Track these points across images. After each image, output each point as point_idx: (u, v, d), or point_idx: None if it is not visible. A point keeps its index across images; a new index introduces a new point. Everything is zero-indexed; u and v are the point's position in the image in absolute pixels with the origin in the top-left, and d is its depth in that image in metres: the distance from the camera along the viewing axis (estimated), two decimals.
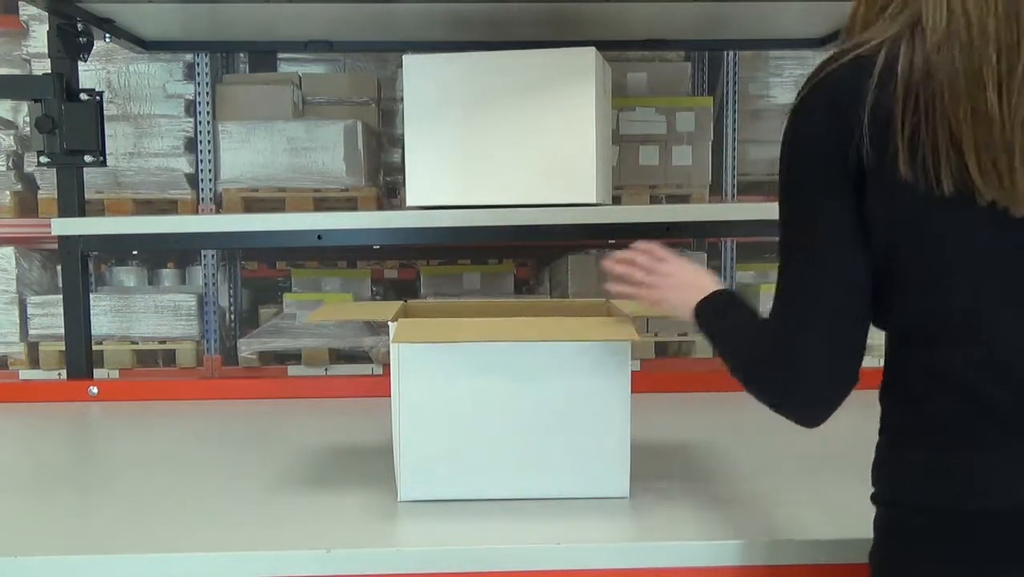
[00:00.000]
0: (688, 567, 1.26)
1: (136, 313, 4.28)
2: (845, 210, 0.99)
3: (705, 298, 1.22)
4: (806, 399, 1.05)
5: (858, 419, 1.86)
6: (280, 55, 4.54)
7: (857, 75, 0.97)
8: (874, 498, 1.06)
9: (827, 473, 1.58)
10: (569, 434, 1.41)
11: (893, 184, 0.95)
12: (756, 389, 1.10)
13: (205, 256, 4.40)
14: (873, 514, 1.05)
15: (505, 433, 1.41)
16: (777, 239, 1.06)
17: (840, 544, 1.26)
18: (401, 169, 2.64)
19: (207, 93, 4.22)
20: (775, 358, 1.05)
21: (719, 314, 1.20)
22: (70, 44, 2.38)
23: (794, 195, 1.03)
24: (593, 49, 2.31)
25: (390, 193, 4.43)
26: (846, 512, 1.38)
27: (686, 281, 1.28)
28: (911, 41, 0.96)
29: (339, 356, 4.35)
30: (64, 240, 2.37)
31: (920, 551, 0.99)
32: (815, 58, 4.43)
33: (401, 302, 1.63)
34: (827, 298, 1.01)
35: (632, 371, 1.43)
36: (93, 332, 2.50)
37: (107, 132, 2.47)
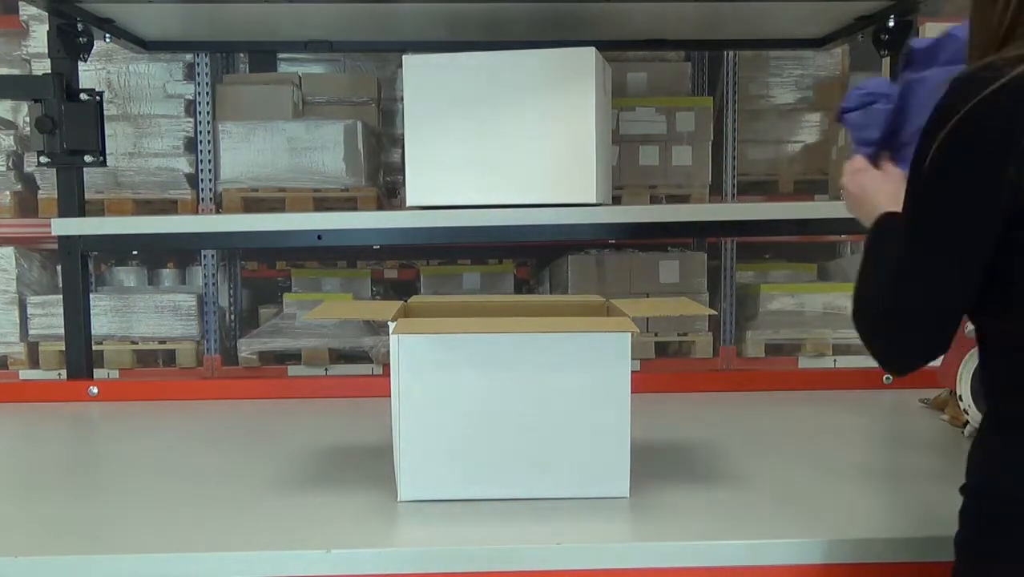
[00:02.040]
0: (688, 567, 1.25)
1: (136, 313, 4.28)
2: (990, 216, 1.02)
3: (879, 219, 1.26)
4: (903, 356, 1.15)
5: (859, 419, 1.86)
6: (280, 55, 4.54)
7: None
8: (970, 487, 1.08)
9: (828, 473, 1.58)
10: (569, 433, 1.41)
11: None
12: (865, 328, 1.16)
13: (205, 256, 4.40)
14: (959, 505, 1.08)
15: (505, 432, 1.41)
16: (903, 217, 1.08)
17: (841, 544, 1.26)
18: (401, 169, 2.65)
19: (207, 93, 4.22)
20: (890, 318, 1.12)
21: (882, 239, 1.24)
22: (70, 44, 2.38)
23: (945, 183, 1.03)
24: (593, 49, 2.31)
25: (390, 193, 4.44)
26: (847, 512, 1.38)
27: (875, 192, 1.33)
28: None
29: (339, 356, 4.35)
30: (64, 240, 2.37)
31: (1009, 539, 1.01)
32: (815, 58, 4.46)
33: (401, 302, 1.63)
34: (953, 285, 1.06)
35: (632, 371, 1.43)
36: (93, 332, 2.51)
37: (107, 132, 2.47)
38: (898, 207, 1.15)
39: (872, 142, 1.41)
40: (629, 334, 1.39)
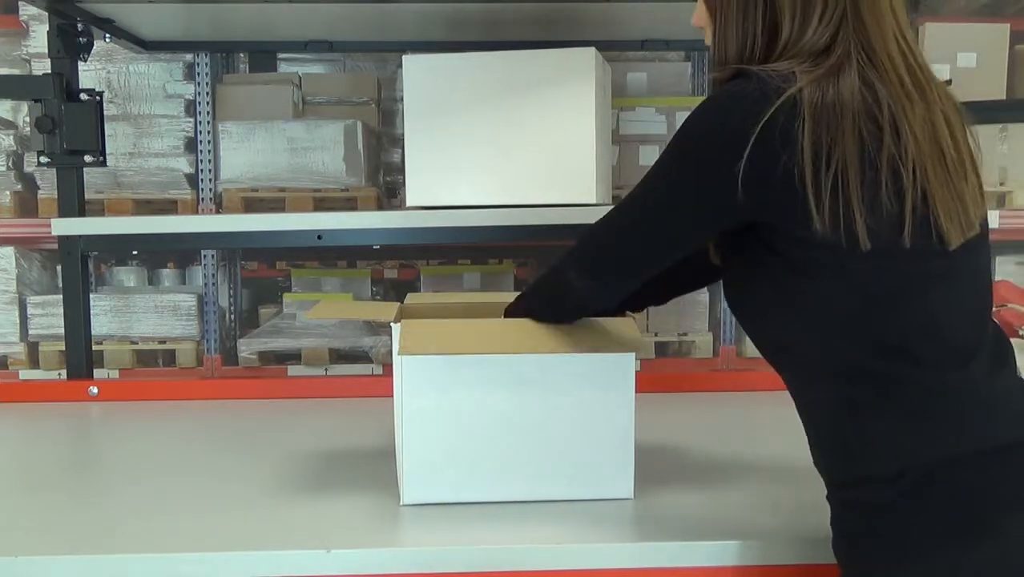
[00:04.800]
0: (693, 567, 1.26)
1: (136, 313, 4.28)
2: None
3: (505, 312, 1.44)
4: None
5: None
6: (280, 55, 4.54)
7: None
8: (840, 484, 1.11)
9: None
10: (573, 439, 1.41)
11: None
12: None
13: (205, 256, 4.40)
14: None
15: (509, 438, 1.40)
16: None
17: None
18: (401, 169, 2.65)
19: (207, 93, 4.22)
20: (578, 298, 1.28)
21: (520, 300, 1.43)
22: (70, 44, 2.38)
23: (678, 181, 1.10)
24: (593, 49, 2.31)
25: (390, 193, 4.44)
26: None
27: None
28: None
29: (339, 356, 4.35)
30: (64, 240, 2.37)
31: (911, 519, 1.02)
32: None
33: (398, 303, 1.62)
34: (645, 271, 1.21)
35: None
36: (93, 332, 2.50)
37: (107, 132, 2.47)
38: None
39: None
40: (633, 354, 1.40)
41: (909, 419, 1.03)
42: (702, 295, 4.31)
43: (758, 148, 1.00)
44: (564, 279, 1.27)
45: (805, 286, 1.05)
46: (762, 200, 1.03)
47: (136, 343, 4.29)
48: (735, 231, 1.10)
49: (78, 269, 2.37)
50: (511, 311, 1.43)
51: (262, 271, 4.77)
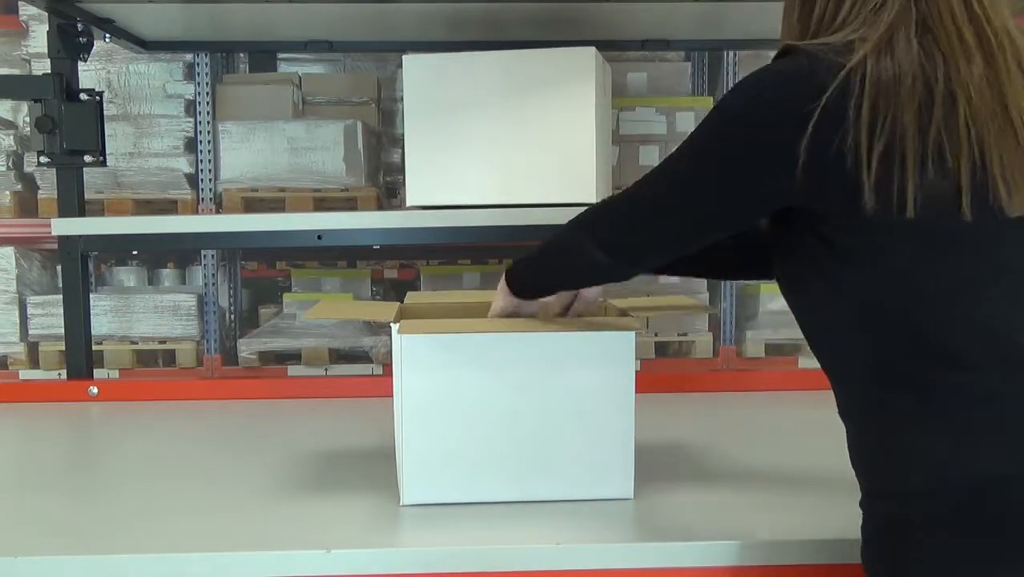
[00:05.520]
0: (693, 567, 1.25)
1: (136, 313, 4.28)
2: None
3: (506, 273, 1.39)
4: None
5: None
6: (280, 55, 4.54)
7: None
8: (874, 492, 1.05)
9: (830, 473, 1.58)
10: (573, 435, 1.41)
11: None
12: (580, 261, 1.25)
13: (205, 256, 4.40)
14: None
15: (509, 434, 1.41)
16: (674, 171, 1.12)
17: (842, 544, 1.26)
18: (401, 169, 2.65)
19: (207, 93, 4.22)
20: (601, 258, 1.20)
21: (521, 262, 1.37)
22: (70, 44, 2.38)
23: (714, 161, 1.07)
24: (593, 49, 2.31)
25: (390, 193, 4.44)
26: (849, 512, 1.38)
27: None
28: None
29: (339, 356, 4.35)
30: (64, 240, 2.37)
31: (938, 530, 0.98)
32: None
33: (398, 303, 1.62)
34: (671, 250, 1.18)
35: None
36: (93, 332, 2.50)
37: (107, 132, 2.47)
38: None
39: None
40: (633, 333, 1.39)
41: (954, 430, 0.97)
42: (702, 294, 4.31)
43: (816, 124, 0.96)
44: (583, 250, 1.22)
45: (847, 275, 1.00)
46: (814, 178, 0.98)
47: (136, 343, 4.29)
48: (781, 218, 1.06)
49: (78, 269, 2.37)
50: (517, 271, 1.37)
51: (262, 271, 4.77)
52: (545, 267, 1.34)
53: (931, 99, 0.95)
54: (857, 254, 0.99)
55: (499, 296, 1.40)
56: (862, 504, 1.08)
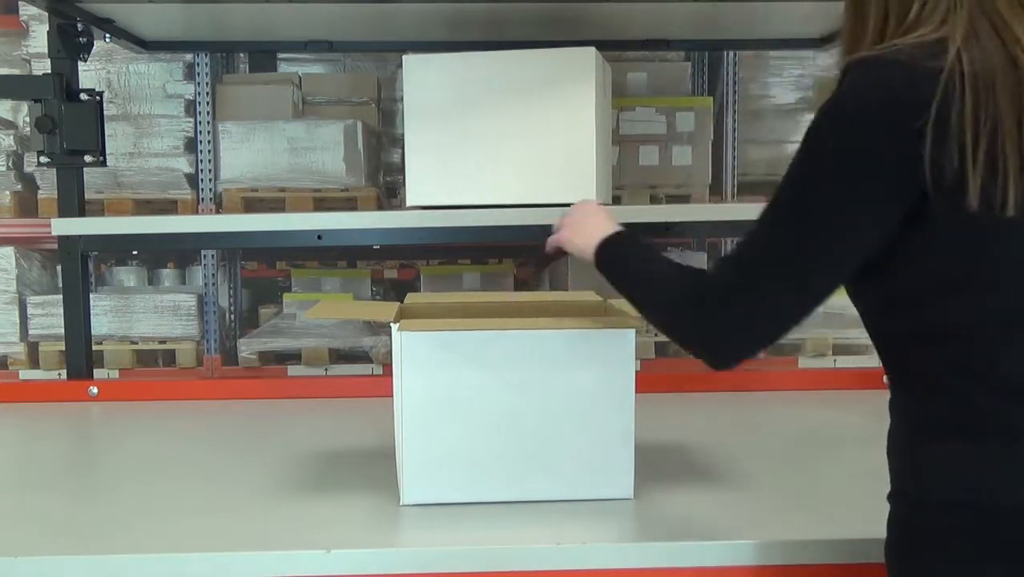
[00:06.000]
0: (693, 567, 1.25)
1: (136, 313, 4.27)
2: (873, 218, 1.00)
3: (605, 240, 1.28)
4: (724, 356, 1.19)
5: (859, 419, 1.86)
6: (280, 55, 4.54)
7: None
8: (898, 495, 1.04)
9: (829, 473, 1.58)
10: (573, 434, 1.41)
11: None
12: (676, 331, 1.22)
13: (205, 256, 4.40)
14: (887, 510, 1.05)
15: (509, 434, 1.41)
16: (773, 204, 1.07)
17: (842, 544, 1.26)
18: (401, 169, 2.65)
19: (207, 93, 4.22)
20: (708, 311, 1.16)
21: (623, 256, 1.28)
22: (70, 44, 2.38)
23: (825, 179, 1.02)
24: (593, 49, 2.31)
25: (390, 193, 4.44)
26: (848, 512, 1.38)
27: (581, 222, 1.35)
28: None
29: (339, 356, 4.34)
30: (64, 240, 2.37)
31: (944, 547, 0.97)
32: (815, 58, 4.46)
33: (398, 303, 1.62)
34: (803, 286, 1.07)
35: None
36: (93, 332, 2.50)
37: (107, 132, 2.47)
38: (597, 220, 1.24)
39: None
40: (632, 332, 1.40)
41: (980, 450, 0.97)
42: None
43: (933, 131, 0.94)
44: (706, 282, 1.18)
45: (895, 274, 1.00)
46: (935, 181, 0.96)
47: (136, 343, 4.29)
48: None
49: (78, 269, 2.37)
50: (619, 253, 1.29)
51: (262, 271, 4.77)
52: (636, 281, 1.29)
53: (1019, 87, 0.95)
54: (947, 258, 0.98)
55: (578, 240, 1.35)
56: (888, 498, 1.07)
